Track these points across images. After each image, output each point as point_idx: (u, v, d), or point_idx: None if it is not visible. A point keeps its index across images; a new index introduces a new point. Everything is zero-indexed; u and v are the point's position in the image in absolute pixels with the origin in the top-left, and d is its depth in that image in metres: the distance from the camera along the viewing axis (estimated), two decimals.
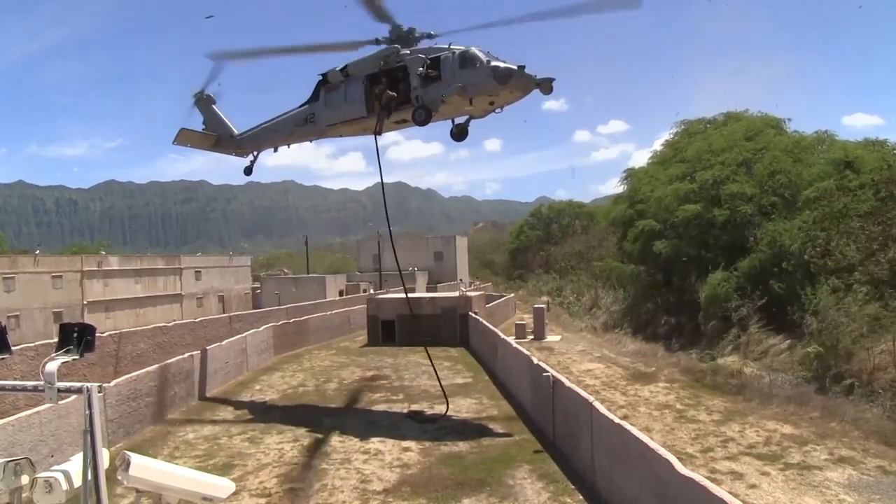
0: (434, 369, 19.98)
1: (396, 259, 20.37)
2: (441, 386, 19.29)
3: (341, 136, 20.70)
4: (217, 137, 22.07)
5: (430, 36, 17.47)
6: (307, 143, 21.31)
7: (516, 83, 15.89)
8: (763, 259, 23.91)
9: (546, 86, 15.68)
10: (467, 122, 18.31)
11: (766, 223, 24.88)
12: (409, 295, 33.76)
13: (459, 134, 18.53)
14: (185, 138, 21.60)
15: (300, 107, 19.95)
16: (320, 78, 19.14)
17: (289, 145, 21.22)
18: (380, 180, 18.36)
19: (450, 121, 18.41)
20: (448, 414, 18.13)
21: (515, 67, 15.77)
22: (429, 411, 18.47)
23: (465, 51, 16.51)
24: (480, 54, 16.26)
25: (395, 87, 17.55)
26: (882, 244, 20.08)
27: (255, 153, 21.93)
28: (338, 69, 18.50)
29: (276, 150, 21.85)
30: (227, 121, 22.23)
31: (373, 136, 18.74)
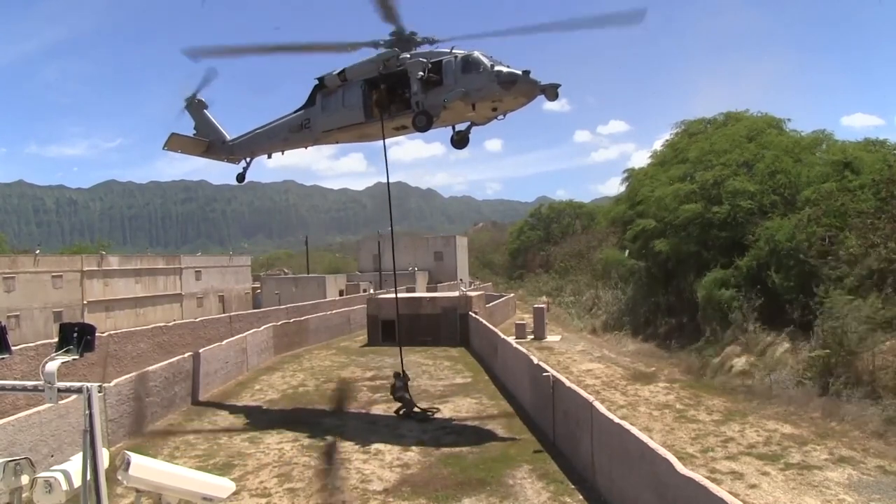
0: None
1: (394, 259, 20.25)
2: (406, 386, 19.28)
3: (338, 142, 20.19)
4: (208, 143, 21.69)
5: (431, 41, 17.11)
6: None
7: (521, 89, 15.47)
8: (760, 256, 23.90)
9: (551, 92, 15.28)
10: (468, 128, 17.99)
11: (764, 221, 24.88)
12: (410, 295, 33.68)
13: (460, 141, 18.20)
14: (176, 144, 21.22)
15: (295, 112, 19.50)
16: (316, 82, 18.72)
17: (283, 152, 20.88)
18: (382, 180, 18.26)
19: (450, 127, 18.12)
20: (434, 412, 18.36)
21: (520, 72, 15.37)
22: (428, 411, 18.42)
23: (468, 55, 16.12)
24: (484, 59, 15.87)
25: (394, 91, 17.21)
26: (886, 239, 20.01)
27: (248, 160, 21.57)
28: (335, 73, 18.09)
29: (269, 157, 21.54)
30: (219, 126, 21.85)
31: (373, 139, 18.58)
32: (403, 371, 18.64)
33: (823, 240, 21.57)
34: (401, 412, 18.25)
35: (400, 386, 18.30)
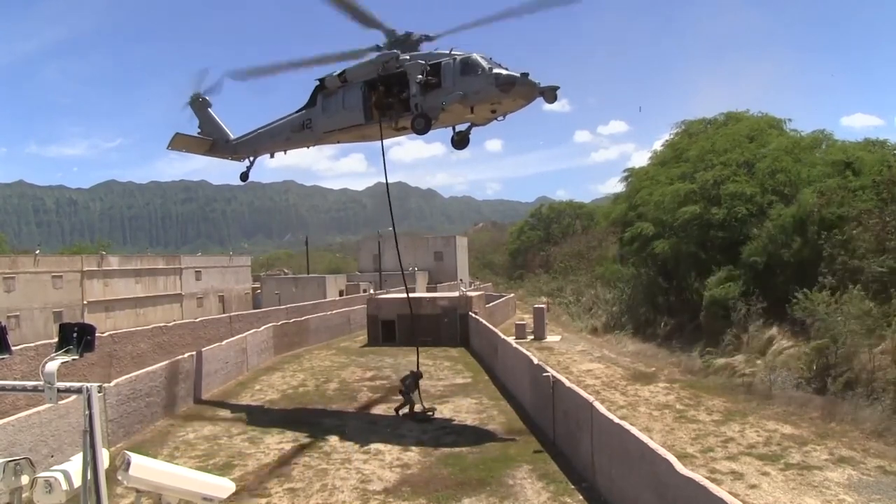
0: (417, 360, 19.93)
1: (399, 259, 20.23)
2: (416, 364, 19.26)
3: (339, 142, 20.24)
4: (212, 142, 21.75)
5: (428, 38, 17.07)
6: None
7: (519, 91, 15.43)
8: (762, 248, 23.89)
9: (550, 94, 15.27)
10: (468, 129, 17.95)
11: (764, 220, 24.92)
12: (410, 295, 33.61)
13: (460, 142, 18.15)
14: (180, 143, 21.26)
15: (297, 112, 19.53)
16: (317, 83, 18.75)
17: (285, 151, 20.90)
18: (382, 180, 18.22)
19: (451, 128, 18.05)
20: (434, 411, 18.29)
21: (518, 75, 15.31)
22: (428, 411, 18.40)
23: (467, 57, 16.04)
24: (482, 61, 15.80)
25: (394, 93, 17.16)
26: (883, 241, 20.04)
27: (252, 159, 21.57)
28: (335, 75, 18.13)
29: (272, 157, 21.46)
30: (222, 125, 21.88)
31: (374, 139, 18.56)
32: (417, 371, 18.48)
33: (826, 232, 21.61)
34: (399, 411, 18.26)
35: (409, 384, 18.17)
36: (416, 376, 18.33)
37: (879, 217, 20.56)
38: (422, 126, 16.59)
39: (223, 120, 22.22)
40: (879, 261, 19.52)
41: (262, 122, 21.19)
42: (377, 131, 17.84)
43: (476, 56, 16.03)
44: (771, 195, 26.05)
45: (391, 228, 19.90)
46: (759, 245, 24.12)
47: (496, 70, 15.58)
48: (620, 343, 32.41)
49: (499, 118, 16.73)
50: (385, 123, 17.44)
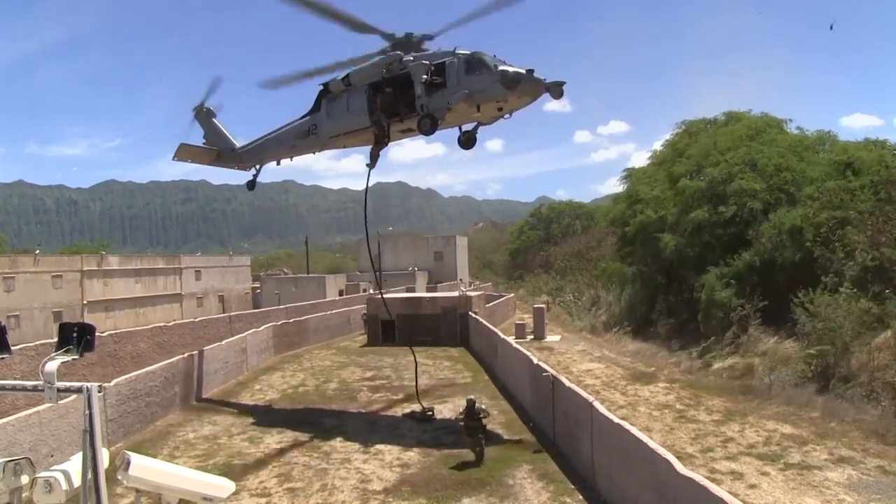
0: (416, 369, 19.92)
1: (375, 261, 20.17)
2: (416, 387, 19.37)
3: (345, 147, 20.00)
4: (218, 152, 21.69)
5: (429, 37, 16.94)
6: None
7: (525, 88, 15.25)
8: (763, 252, 23.88)
9: (556, 90, 15.10)
10: (475, 129, 17.74)
11: (768, 219, 24.91)
12: (410, 295, 33.64)
13: (467, 141, 17.89)
14: (186, 153, 21.18)
15: (302, 118, 19.42)
16: (321, 88, 18.63)
17: (291, 158, 20.79)
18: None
19: (457, 128, 17.86)
20: (434, 412, 18.14)
21: (524, 72, 15.15)
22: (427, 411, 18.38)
23: (471, 56, 15.90)
24: (487, 59, 15.66)
25: (399, 95, 17.01)
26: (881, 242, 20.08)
27: (258, 167, 21.47)
28: (339, 79, 17.95)
29: (278, 164, 21.32)
30: (227, 134, 21.79)
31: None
32: (477, 408, 14.28)
33: (827, 232, 21.61)
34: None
35: (475, 426, 14.03)
36: (471, 410, 14.22)
37: (876, 218, 20.57)
38: (428, 127, 16.40)
39: (226, 126, 22.17)
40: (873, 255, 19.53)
41: (258, 126, 21.11)
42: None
43: (480, 54, 15.86)
44: (777, 192, 26.02)
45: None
46: (759, 250, 24.09)
47: (501, 67, 15.41)
48: (620, 343, 32.39)
49: (505, 116, 16.50)
50: (391, 126, 17.35)
